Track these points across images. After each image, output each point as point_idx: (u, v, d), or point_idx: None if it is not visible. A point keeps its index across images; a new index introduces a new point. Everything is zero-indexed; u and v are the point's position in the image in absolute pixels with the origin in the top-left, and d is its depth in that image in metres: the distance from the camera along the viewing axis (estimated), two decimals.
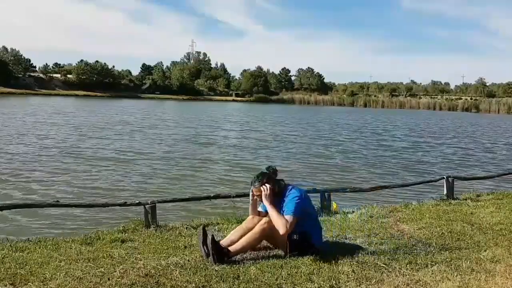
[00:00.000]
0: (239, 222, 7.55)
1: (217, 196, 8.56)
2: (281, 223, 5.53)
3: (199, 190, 13.66)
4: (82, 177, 15.26)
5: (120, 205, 8.00)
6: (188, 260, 5.41)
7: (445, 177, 10.36)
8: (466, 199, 10.02)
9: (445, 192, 10.22)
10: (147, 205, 7.35)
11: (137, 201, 7.61)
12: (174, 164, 18.47)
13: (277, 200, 5.78)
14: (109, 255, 5.64)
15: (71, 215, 10.61)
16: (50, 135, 26.43)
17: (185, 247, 6.08)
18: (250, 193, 6.02)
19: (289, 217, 5.58)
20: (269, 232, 5.64)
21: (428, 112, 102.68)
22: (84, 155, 19.76)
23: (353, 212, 8.71)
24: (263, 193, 5.76)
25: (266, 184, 5.79)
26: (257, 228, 5.60)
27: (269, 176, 5.90)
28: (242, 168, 18.25)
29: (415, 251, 6.03)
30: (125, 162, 18.62)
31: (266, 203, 5.72)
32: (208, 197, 8.60)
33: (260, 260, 5.45)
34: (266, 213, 5.93)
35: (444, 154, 25.95)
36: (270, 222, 5.64)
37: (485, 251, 6.06)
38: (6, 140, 23.49)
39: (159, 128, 34.70)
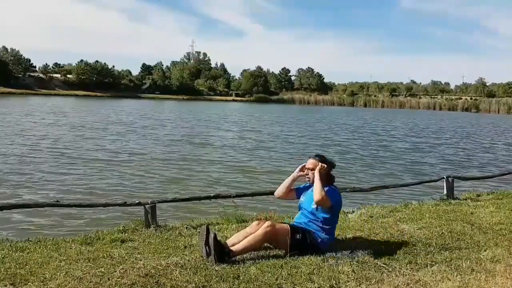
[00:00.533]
0: (239, 222, 7.59)
1: (217, 196, 8.56)
2: (320, 193, 5.80)
3: (197, 191, 13.61)
4: (79, 178, 15.22)
5: (120, 205, 8.00)
6: (188, 260, 5.41)
7: (445, 177, 10.37)
8: (466, 199, 10.03)
9: (445, 192, 10.23)
10: (147, 205, 7.35)
11: (137, 201, 7.61)
12: (171, 165, 18.37)
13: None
14: (109, 255, 5.64)
15: (71, 215, 10.60)
16: (48, 136, 26.33)
17: (185, 247, 6.09)
18: (299, 166, 6.37)
19: None
20: (272, 236, 5.69)
21: (428, 112, 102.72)
22: (81, 156, 19.69)
23: (353, 212, 8.73)
24: (318, 166, 6.04)
25: (324, 165, 6.08)
26: (260, 231, 5.63)
27: (328, 161, 6.21)
28: (238, 169, 18.19)
29: (415, 251, 6.03)
30: (123, 162, 18.57)
31: (317, 174, 5.99)
32: (208, 197, 8.58)
33: (260, 260, 5.45)
34: (297, 194, 6.40)
35: (444, 154, 25.94)
36: (273, 225, 5.70)
37: (485, 251, 6.07)
38: (3, 140, 23.46)
39: (157, 128, 34.61)
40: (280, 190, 6.49)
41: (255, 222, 5.91)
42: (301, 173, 6.31)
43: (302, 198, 6.30)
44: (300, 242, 5.73)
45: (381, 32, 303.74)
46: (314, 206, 5.96)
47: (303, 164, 6.32)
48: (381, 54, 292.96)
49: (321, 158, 6.21)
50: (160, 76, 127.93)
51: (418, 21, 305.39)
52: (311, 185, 6.09)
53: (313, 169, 6.10)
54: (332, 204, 5.91)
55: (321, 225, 5.93)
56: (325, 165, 6.11)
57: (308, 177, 6.21)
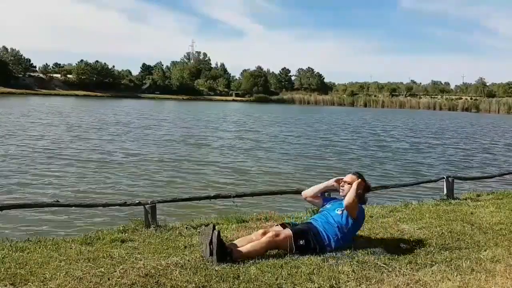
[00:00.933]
0: (239, 222, 7.59)
1: (217, 196, 8.55)
2: (353, 198, 5.98)
3: (196, 191, 13.60)
4: (77, 178, 15.20)
5: (120, 205, 7.99)
6: (188, 260, 5.40)
7: (445, 177, 10.37)
8: (466, 199, 10.03)
9: (445, 192, 10.23)
10: (147, 205, 7.35)
11: (137, 201, 7.60)
12: (169, 166, 18.33)
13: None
14: (109, 255, 5.63)
15: (71, 215, 10.61)
16: (46, 136, 26.35)
17: (185, 247, 6.08)
18: (335, 178, 6.57)
19: None
20: (274, 245, 5.74)
21: (428, 112, 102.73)
22: (79, 156, 19.67)
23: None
24: (357, 181, 6.18)
25: (362, 182, 6.29)
26: (264, 239, 5.68)
27: (366, 181, 6.42)
28: (235, 171, 18.12)
29: (415, 251, 6.03)
30: (122, 163, 18.55)
31: (355, 185, 6.10)
32: (208, 197, 8.57)
33: (260, 260, 5.44)
34: (323, 200, 6.60)
35: (444, 155, 25.95)
36: (277, 235, 5.74)
37: (485, 251, 6.07)
38: (1, 141, 23.48)
39: (156, 129, 34.57)
40: (309, 192, 6.73)
41: (261, 231, 5.90)
42: (336, 184, 6.46)
43: (327, 205, 6.44)
44: (303, 247, 5.77)
45: (381, 32, 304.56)
46: (339, 212, 6.10)
47: (341, 178, 6.47)
48: (381, 54, 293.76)
49: (360, 176, 6.34)
50: (160, 76, 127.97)
51: (418, 21, 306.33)
52: (342, 199, 6.25)
53: (350, 183, 6.22)
54: (357, 215, 6.07)
55: (336, 230, 5.98)
56: (362, 184, 6.23)
57: (342, 189, 6.33)
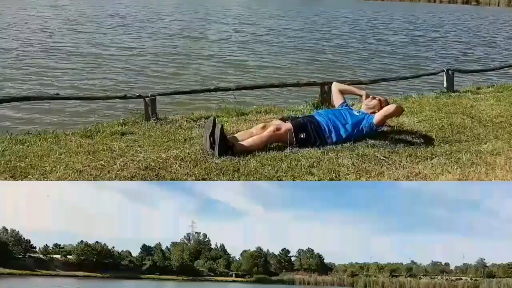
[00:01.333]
0: (239, 115, 7.55)
1: (217, 89, 8.50)
2: (398, 108, 6.35)
3: (195, 85, 13.42)
4: (75, 74, 14.95)
5: (120, 97, 7.98)
6: (188, 153, 5.40)
7: (445, 69, 10.25)
8: (466, 92, 9.94)
9: (445, 85, 10.13)
10: (147, 98, 7.28)
11: (137, 94, 7.56)
12: (165, 61, 17.79)
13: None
14: (109, 147, 5.63)
15: (70, 109, 10.54)
16: (39, 29, 25.61)
17: (185, 140, 6.06)
18: (369, 94, 6.71)
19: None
20: (275, 138, 5.74)
21: (428, 4, 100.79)
22: (74, 52, 19.13)
23: (353, 105, 8.67)
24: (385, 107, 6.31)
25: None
26: (265, 133, 5.67)
27: None
28: (232, 65, 17.71)
29: (415, 144, 6.04)
30: (115, 58, 17.95)
31: (388, 107, 6.30)
32: (208, 90, 8.51)
33: (260, 153, 5.44)
34: (342, 101, 6.79)
35: (444, 48, 25.59)
36: (279, 129, 5.76)
37: (485, 144, 6.08)
38: None
39: (153, 22, 33.77)
40: (339, 86, 7.09)
41: (261, 125, 5.89)
42: (364, 96, 6.67)
43: (345, 107, 6.56)
44: (304, 140, 5.77)
45: None
46: (357, 113, 6.22)
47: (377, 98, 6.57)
48: None
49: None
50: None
51: None
52: (365, 113, 6.33)
53: (380, 100, 6.40)
54: (379, 128, 6.27)
55: (340, 126, 6.00)
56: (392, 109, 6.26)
57: (370, 100, 6.48)
